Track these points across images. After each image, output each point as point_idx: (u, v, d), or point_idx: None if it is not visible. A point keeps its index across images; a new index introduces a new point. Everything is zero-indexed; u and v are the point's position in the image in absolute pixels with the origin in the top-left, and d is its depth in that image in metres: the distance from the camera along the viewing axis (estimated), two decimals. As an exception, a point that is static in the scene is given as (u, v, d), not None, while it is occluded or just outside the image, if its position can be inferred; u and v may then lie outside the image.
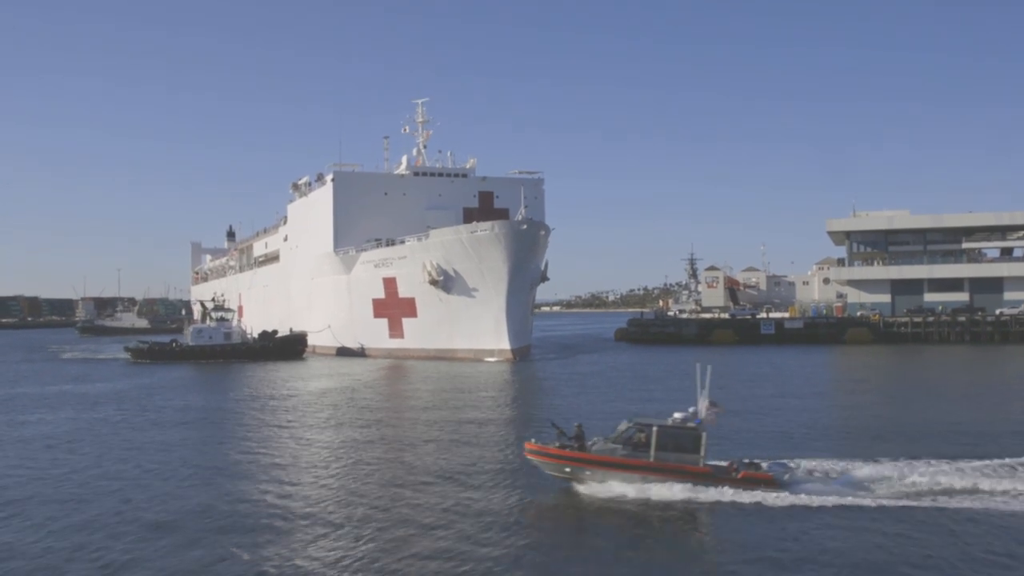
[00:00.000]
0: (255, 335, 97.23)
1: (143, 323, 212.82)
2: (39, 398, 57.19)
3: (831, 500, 22.81)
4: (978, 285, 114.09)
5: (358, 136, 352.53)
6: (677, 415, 24.93)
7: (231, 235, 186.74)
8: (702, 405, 24.83)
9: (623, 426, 25.65)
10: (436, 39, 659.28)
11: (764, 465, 25.09)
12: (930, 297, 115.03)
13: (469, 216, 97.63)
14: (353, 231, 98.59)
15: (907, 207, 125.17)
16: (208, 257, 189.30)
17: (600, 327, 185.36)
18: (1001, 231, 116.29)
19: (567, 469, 25.22)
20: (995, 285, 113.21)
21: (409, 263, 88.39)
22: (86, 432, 40.86)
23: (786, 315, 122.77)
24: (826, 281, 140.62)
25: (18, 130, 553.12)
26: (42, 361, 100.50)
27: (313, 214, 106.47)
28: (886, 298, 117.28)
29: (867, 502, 22.93)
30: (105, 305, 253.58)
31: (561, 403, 49.43)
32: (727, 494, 23.25)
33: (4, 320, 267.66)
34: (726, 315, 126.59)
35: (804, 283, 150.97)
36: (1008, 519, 21.56)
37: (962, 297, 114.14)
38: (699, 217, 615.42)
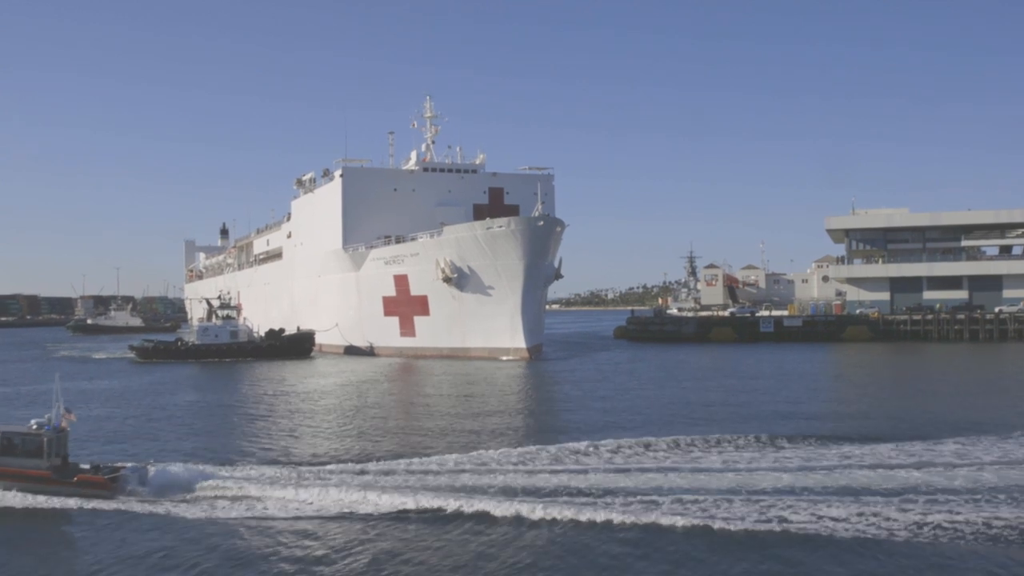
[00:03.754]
0: (261, 333, 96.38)
1: (137, 322, 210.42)
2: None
3: (147, 507, 23.82)
4: (977, 283, 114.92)
5: (360, 133, 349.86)
6: (34, 422, 26.13)
7: (224, 233, 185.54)
8: (56, 412, 25.99)
9: None
10: (440, 36, 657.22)
11: (127, 467, 26.07)
12: (929, 295, 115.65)
13: (479, 212, 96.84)
14: (362, 227, 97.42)
15: (906, 205, 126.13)
16: (202, 255, 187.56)
17: (600, 325, 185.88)
18: (1000, 229, 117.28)
19: None
20: (994, 283, 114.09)
21: (421, 260, 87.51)
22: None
23: (785, 313, 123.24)
24: (825, 279, 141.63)
25: (18, 129, 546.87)
26: (36, 360, 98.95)
27: (320, 211, 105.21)
28: (885, 296, 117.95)
29: (176, 509, 23.69)
30: (104, 304, 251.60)
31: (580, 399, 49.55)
32: (65, 499, 24.39)
33: (2, 319, 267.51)
34: (725, 313, 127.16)
35: (803, 281, 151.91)
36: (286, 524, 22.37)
37: (961, 295, 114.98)
38: (698, 215, 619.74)
